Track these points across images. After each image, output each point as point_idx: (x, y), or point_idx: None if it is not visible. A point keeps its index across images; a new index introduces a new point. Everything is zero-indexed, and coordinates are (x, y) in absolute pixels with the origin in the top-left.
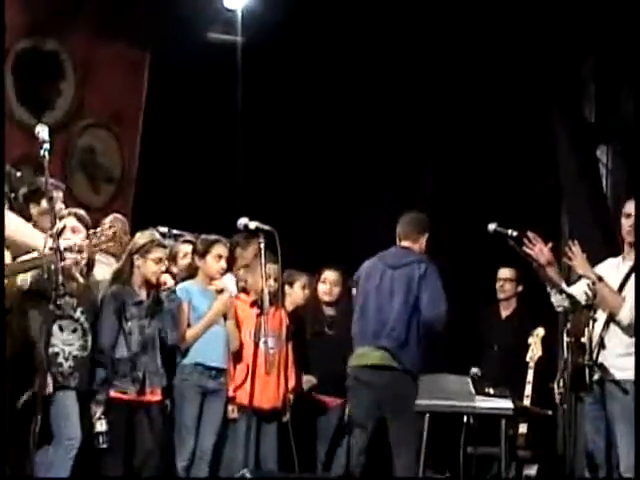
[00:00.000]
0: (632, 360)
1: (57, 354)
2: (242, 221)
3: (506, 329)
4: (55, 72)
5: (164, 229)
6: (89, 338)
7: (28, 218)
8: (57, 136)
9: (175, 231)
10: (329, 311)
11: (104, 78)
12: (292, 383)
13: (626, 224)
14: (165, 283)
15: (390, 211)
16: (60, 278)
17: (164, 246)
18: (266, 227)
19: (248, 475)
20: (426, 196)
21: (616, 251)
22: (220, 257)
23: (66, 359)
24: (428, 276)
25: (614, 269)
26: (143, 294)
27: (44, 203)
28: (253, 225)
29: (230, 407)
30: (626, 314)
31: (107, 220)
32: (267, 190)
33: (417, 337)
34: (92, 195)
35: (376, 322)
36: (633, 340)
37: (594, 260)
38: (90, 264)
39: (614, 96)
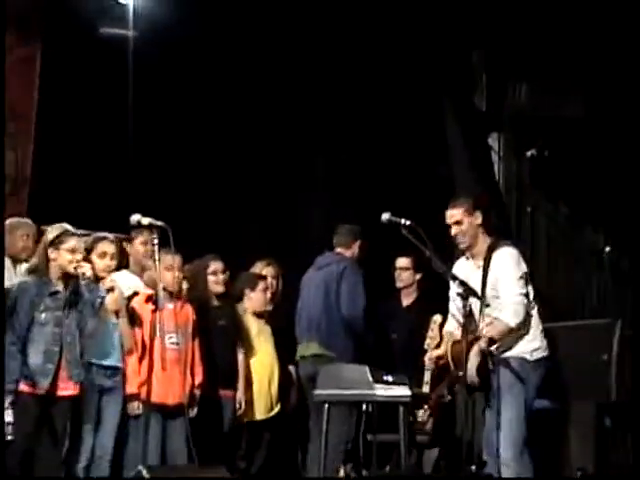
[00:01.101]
0: (519, 339)
1: None
2: (135, 217)
3: (406, 318)
4: None
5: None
6: None
7: None
8: None
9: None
10: (216, 302)
11: None
12: (199, 378)
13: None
14: (84, 274)
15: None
16: None
17: (77, 235)
18: (159, 223)
19: (144, 472)
20: (320, 186)
21: (508, 238)
22: (104, 254)
23: None
24: (346, 274)
25: (472, 270)
26: (60, 286)
27: None
28: (146, 221)
29: (134, 404)
30: (512, 319)
31: None
32: (161, 186)
33: (343, 329)
34: None
35: (307, 319)
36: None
37: None
38: None
39: (504, 85)
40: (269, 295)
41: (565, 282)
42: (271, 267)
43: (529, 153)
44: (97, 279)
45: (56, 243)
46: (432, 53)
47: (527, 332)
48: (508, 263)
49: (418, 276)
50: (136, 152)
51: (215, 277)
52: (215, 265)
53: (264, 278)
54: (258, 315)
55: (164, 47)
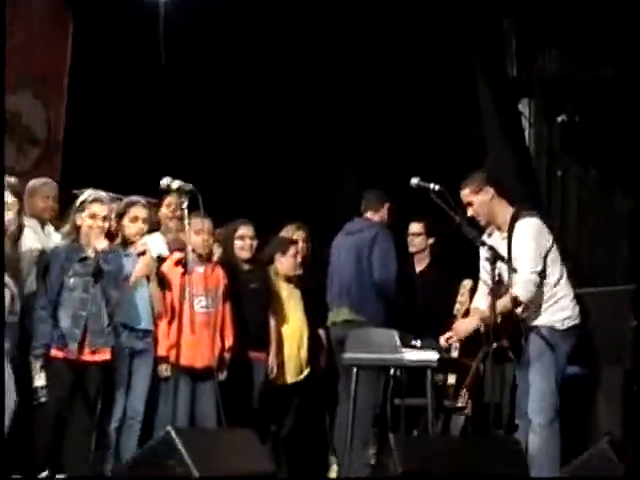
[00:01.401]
0: (547, 310)
1: None
2: (165, 181)
3: (419, 283)
4: None
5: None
6: (17, 304)
7: None
8: None
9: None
10: (247, 266)
11: (26, 38)
12: (229, 342)
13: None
14: (95, 248)
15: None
16: None
17: (102, 201)
18: (188, 186)
19: (173, 433)
20: (351, 150)
21: (538, 203)
22: (136, 219)
23: None
24: (379, 240)
25: (498, 242)
26: (89, 252)
27: None
28: (176, 184)
29: (162, 366)
30: (522, 296)
31: None
32: (193, 150)
33: (374, 294)
34: (17, 159)
35: (338, 285)
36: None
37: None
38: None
39: (534, 51)
40: (299, 259)
41: (595, 247)
42: (301, 231)
43: (559, 118)
44: (129, 243)
45: (80, 209)
46: (464, 19)
47: (556, 301)
48: (526, 237)
49: (431, 241)
50: (168, 116)
51: (242, 242)
52: (243, 230)
53: (295, 242)
54: (288, 279)
55: (195, 11)
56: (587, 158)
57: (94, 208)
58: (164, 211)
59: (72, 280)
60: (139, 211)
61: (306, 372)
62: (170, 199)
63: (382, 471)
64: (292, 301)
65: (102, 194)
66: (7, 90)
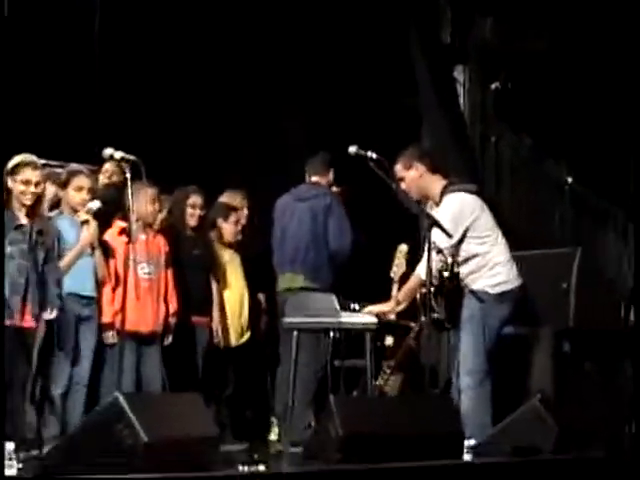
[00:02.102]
0: (481, 275)
1: None
2: (107, 151)
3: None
4: None
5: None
6: None
7: None
8: None
9: (43, 161)
10: (190, 232)
11: None
12: (173, 307)
13: None
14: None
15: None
16: None
17: (36, 167)
18: (131, 157)
19: (120, 398)
20: (292, 118)
21: (473, 168)
22: (81, 189)
23: None
24: (333, 207)
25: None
26: (23, 219)
27: None
28: (118, 155)
29: (108, 333)
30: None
31: None
32: (132, 118)
33: (328, 262)
34: None
35: (291, 251)
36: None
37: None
38: None
39: (469, 20)
40: (239, 227)
41: (528, 212)
42: (241, 197)
43: (493, 86)
44: (74, 212)
45: (13, 173)
46: None
47: (491, 267)
48: (444, 213)
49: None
50: (105, 85)
51: (192, 210)
52: (194, 198)
53: (236, 209)
54: (229, 245)
55: None
56: (520, 124)
57: (27, 173)
58: (101, 178)
59: (9, 248)
60: (83, 181)
61: (247, 335)
62: (108, 166)
63: (322, 432)
64: (233, 266)
65: (34, 158)
66: None
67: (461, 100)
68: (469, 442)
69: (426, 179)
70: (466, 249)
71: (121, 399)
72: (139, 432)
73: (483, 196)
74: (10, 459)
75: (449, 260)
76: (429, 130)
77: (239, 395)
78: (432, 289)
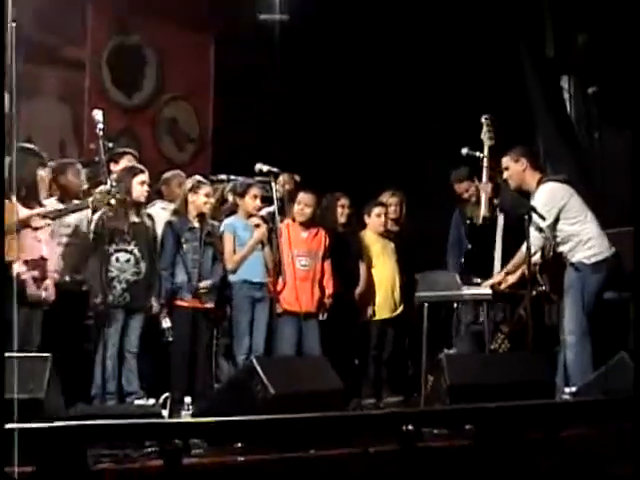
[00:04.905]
0: (578, 249)
1: (112, 279)
2: (257, 166)
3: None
4: (139, 60)
5: (223, 176)
6: (142, 265)
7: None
8: (146, 110)
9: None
10: (341, 228)
11: (178, 60)
12: (329, 291)
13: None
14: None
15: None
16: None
17: (208, 185)
18: (274, 169)
19: (254, 360)
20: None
21: (581, 162)
22: (256, 197)
23: (119, 282)
24: None
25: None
26: (196, 224)
27: (122, 163)
28: (265, 168)
29: (277, 307)
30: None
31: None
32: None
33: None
34: (177, 153)
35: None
36: (577, 237)
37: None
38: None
39: (570, 32)
40: (385, 219)
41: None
42: (395, 197)
43: (590, 90)
44: (249, 216)
45: (194, 190)
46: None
47: (584, 242)
48: (538, 200)
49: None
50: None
51: (342, 210)
52: (343, 200)
53: (383, 205)
54: (379, 234)
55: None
56: (619, 120)
57: (206, 190)
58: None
59: (185, 246)
60: (257, 190)
61: (400, 309)
62: (281, 178)
63: (435, 383)
64: (386, 252)
65: (203, 179)
66: (164, 102)
67: (568, 106)
68: (570, 389)
69: (527, 172)
70: (562, 229)
71: (255, 361)
72: (268, 386)
73: (572, 184)
74: (188, 409)
75: (550, 240)
76: (541, 132)
77: (396, 357)
78: (537, 266)
